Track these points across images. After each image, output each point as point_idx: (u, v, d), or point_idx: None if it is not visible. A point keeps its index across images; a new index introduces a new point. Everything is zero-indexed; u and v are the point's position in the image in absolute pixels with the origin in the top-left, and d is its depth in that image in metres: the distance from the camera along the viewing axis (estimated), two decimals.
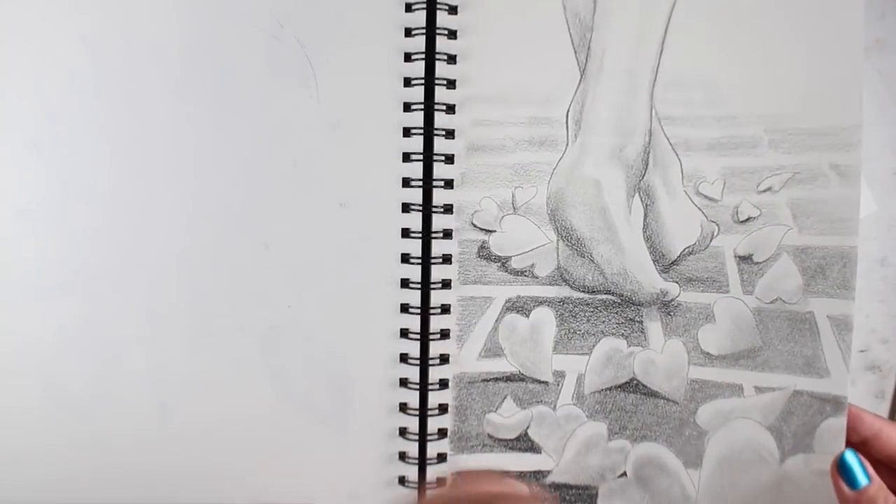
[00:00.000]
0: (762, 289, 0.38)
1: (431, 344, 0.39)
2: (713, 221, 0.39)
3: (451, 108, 0.38)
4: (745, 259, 0.38)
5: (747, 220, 0.38)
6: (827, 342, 0.37)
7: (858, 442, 0.37)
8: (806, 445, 0.37)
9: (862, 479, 0.34)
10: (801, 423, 0.37)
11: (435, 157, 0.38)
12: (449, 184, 0.38)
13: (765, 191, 0.38)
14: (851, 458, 0.35)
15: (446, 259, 0.39)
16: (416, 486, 0.40)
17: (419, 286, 0.39)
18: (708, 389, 0.39)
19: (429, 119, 0.38)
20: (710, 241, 0.39)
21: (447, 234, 0.39)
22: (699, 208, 0.39)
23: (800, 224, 0.38)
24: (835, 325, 0.37)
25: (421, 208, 0.38)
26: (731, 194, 0.38)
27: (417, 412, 0.39)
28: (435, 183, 0.38)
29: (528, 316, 0.39)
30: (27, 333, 0.38)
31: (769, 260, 0.38)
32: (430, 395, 0.39)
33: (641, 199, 0.39)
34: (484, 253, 0.39)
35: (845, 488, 0.34)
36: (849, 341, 0.37)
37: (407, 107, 0.38)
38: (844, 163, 0.37)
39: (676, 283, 0.39)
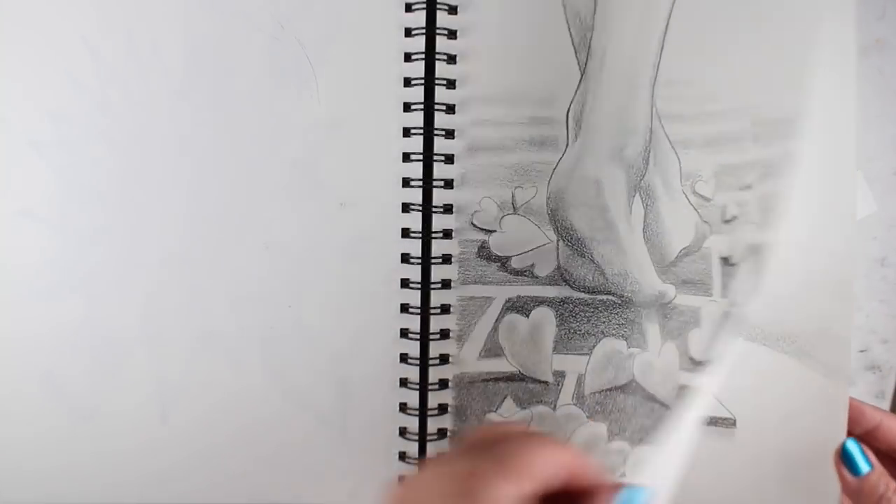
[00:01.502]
0: (734, 292, 0.38)
1: (431, 344, 0.39)
2: (706, 222, 0.39)
3: (451, 108, 0.38)
4: (725, 261, 0.38)
5: (732, 219, 0.38)
6: None
7: (861, 434, 0.37)
8: None
9: (864, 467, 0.35)
10: None
11: (435, 157, 0.38)
12: (449, 184, 0.38)
13: (745, 188, 0.38)
14: (853, 446, 0.36)
15: (446, 259, 0.39)
16: None
17: (419, 286, 0.39)
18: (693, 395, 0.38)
19: (429, 119, 0.38)
20: (703, 242, 0.39)
21: (447, 234, 0.39)
22: (695, 208, 0.39)
23: (770, 223, 0.38)
24: None
25: (421, 208, 0.38)
26: (720, 193, 0.38)
27: (417, 412, 0.39)
28: (435, 183, 0.38)
29: (528, 316, 0.39)
30: (27, 333, 0.38)
31: (742, 261, 0.38)
32: (430, 395, 0.39)
33: (642, 198, 0.39)
34: (484, 253, 0.39)
35: (848, 475, 0.35)
36: None
37: (407, 107, 0.38)
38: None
39: (673, 284, 0.39)
